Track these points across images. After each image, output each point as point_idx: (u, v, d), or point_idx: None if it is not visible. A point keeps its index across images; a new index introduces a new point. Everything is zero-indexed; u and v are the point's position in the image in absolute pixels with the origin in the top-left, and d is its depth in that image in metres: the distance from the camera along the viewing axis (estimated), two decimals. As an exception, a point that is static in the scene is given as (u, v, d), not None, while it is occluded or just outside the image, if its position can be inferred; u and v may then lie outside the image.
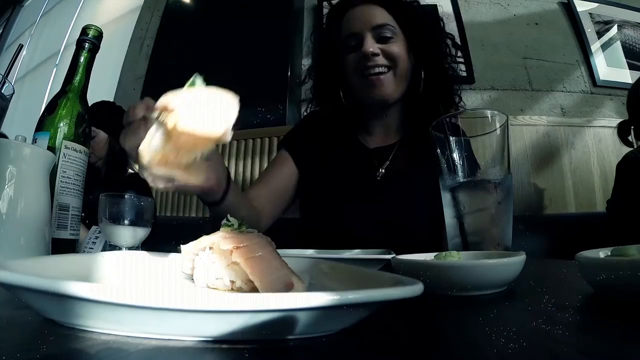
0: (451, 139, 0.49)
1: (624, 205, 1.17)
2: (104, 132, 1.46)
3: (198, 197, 0.67)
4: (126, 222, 0.56)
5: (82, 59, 0.59)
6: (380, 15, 0.87)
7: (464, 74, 1.84)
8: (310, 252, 0.56)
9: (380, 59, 0.85)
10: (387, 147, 0.95)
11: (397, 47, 0.86)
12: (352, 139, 0.98)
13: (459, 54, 1.06)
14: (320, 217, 0.92)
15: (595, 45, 2.01)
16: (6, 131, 1.15)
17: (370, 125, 0.98)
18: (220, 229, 0.31)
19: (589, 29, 2.03)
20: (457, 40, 1.01)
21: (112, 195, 0.57)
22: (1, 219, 0.42)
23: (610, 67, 1.99)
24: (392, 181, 0.90)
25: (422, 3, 1.01)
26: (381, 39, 0.86)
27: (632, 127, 1.27)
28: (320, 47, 1.03)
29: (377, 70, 0.85)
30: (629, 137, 1.30)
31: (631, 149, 1.27)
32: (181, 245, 0.33)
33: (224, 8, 2.29)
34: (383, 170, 0.91)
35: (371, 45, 0.84)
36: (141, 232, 0.58)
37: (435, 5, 1.95)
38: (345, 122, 0.96)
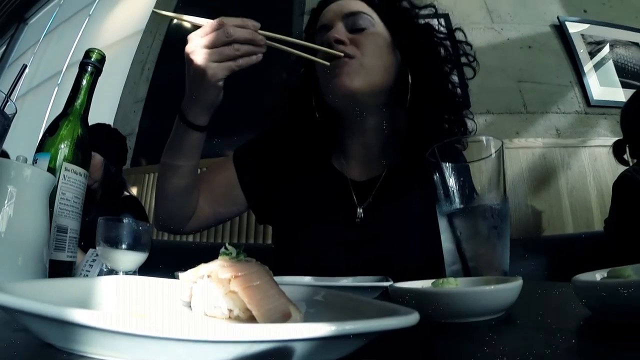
0: (449, 165, 0.49)
1: (622, 224, 1.17)
2: (99, 154, 1.46)
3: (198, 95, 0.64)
4: (124, 246, 0.56)
5: (84, 81, 0.60)
6: (355, 4, 0.76)
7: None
8: (307, 279, 0.56)
9: (348, 49, 0.71)
10: (369, 180, 0.80)
11: (371, 38, 0.74)
12: (326, 164, 0.83)
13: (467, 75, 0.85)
14: (295, 249, 0.79)
15: (588, 66, 2.04)
16: (6, 148, 1.16)
17: (348, 146, 0.82)
18: (219, 257, 0.31)
19: (582, 50, 2.06)
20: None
21: (110, 219, 0.57)
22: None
23: (604, 87, 2.02)
24: (374, 224, 0.75)
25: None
26: (354, 30, 0.74)
27: (627, 145, 1.28)
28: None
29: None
30: (625, 156, 1.30)
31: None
32: (179, 273, 0.33)
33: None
34: (361, 212, 0.77)
35: (337, 31, 0.72)
36: (138, 257, 0.58)
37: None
38: (317, 142, 0.81)
